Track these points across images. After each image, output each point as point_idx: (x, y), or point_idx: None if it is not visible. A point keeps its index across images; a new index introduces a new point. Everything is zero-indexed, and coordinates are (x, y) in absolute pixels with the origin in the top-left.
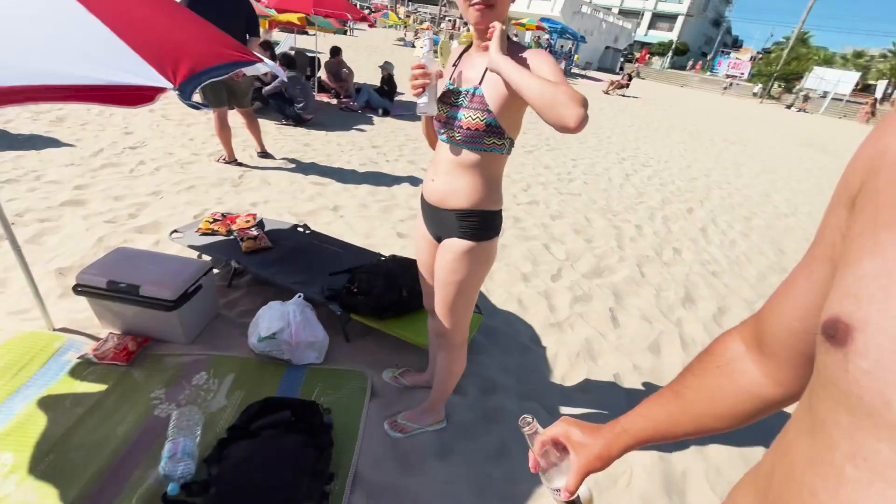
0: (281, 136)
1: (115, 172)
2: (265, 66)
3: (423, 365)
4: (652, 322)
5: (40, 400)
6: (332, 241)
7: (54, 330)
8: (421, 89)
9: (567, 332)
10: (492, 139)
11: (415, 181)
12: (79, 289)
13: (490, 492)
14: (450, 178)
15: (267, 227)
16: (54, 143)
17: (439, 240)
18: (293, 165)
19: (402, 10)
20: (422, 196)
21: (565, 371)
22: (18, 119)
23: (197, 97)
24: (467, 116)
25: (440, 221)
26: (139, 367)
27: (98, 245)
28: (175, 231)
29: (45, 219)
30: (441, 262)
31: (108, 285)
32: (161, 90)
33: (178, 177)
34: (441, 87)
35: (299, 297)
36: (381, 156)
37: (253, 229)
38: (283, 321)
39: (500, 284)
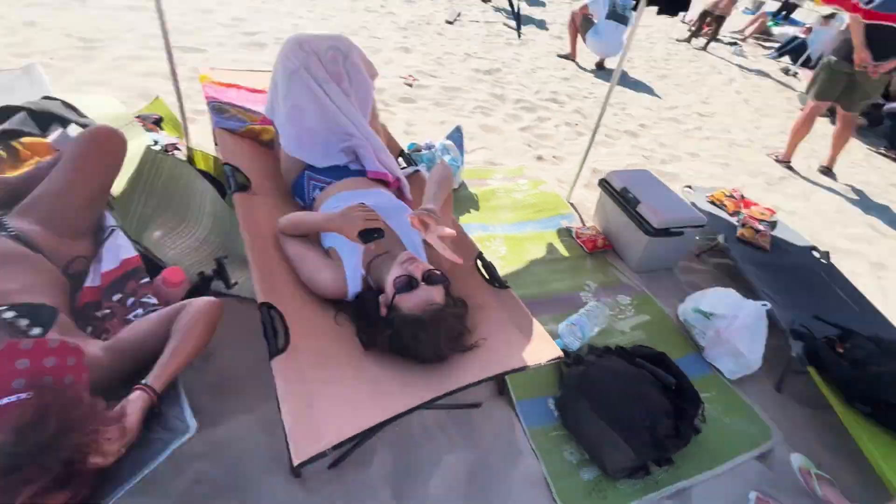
0: (864, 164)
1: (676, 127)
2: None
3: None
4: None
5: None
6: (848, 288)
7: (570, 201)
8: None
9: None
10: None
11: None
12: (603, 182)
13: None
14: None
15: (777, 232)
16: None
17: None
18: (856, 198)
19: None
20: None
21: None
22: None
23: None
24: None
25: None
26: (593, 259)
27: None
28: (689, 187)
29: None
30: None
31: (620, 190)
32: None
33: (721, 151)
34: None
35: (764, 305)
36: None
37: (762, 224)
38: (729, 311)
39: None
